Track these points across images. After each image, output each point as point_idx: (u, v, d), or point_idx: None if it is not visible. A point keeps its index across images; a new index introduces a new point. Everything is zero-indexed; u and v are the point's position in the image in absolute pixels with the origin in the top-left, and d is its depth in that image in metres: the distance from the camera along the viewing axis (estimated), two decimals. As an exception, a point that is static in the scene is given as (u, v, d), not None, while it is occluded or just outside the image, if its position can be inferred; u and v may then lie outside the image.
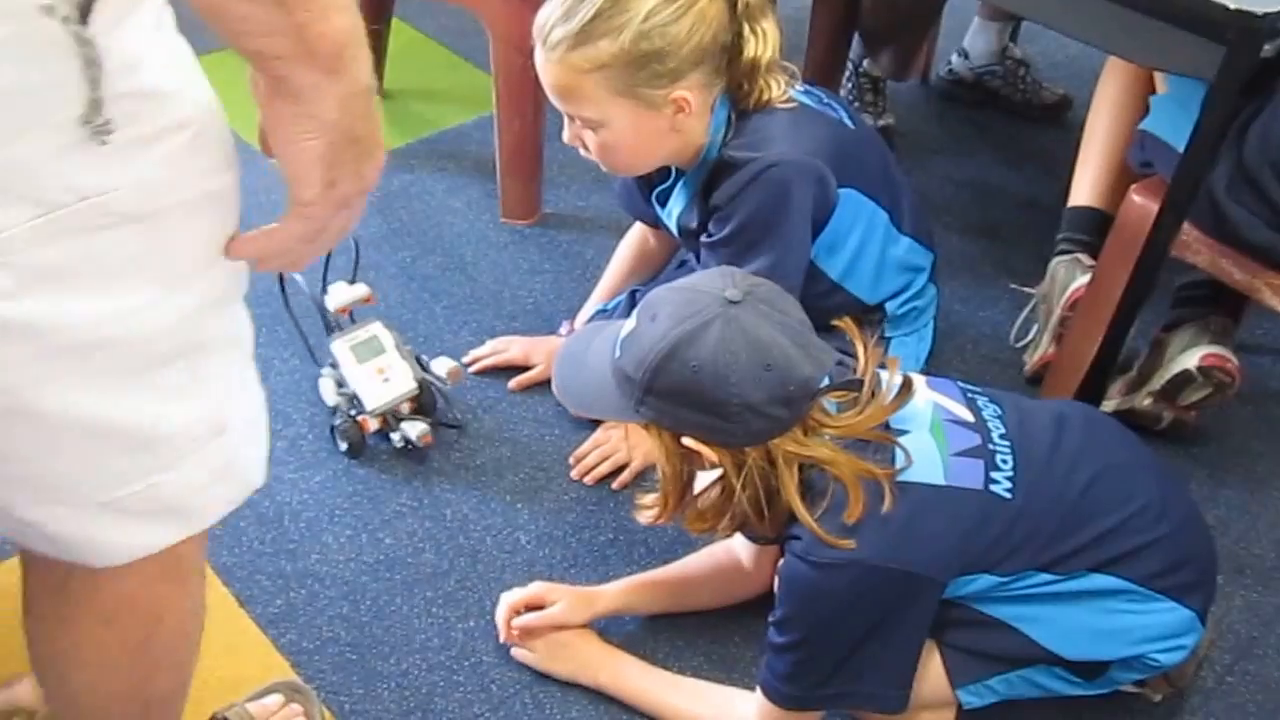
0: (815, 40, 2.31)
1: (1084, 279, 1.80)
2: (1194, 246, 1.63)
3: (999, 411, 1.32)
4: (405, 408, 1.71)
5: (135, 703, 1.08)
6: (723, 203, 1.48)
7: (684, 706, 1.40)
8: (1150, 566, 1.29)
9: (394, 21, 2.40)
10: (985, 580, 1.25)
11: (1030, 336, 1.94)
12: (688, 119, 1.43)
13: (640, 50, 1.37)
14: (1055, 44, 2.71)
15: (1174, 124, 1.59)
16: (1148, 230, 1.57)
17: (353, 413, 1.69)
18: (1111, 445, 1.38)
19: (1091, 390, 1.71)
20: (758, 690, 1.31)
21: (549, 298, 2.00)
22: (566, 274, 2.06)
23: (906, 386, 1.23)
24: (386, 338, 1.72)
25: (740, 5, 1.41)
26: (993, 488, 1.23)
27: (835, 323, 1.29)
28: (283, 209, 0.83)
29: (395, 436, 1.71)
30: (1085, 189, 1.88)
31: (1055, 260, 1.88)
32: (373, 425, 1.70)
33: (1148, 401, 1.75)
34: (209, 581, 1.51)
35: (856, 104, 2.40)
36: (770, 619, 1.27)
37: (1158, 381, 1.73)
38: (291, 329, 1.80)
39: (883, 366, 1.26)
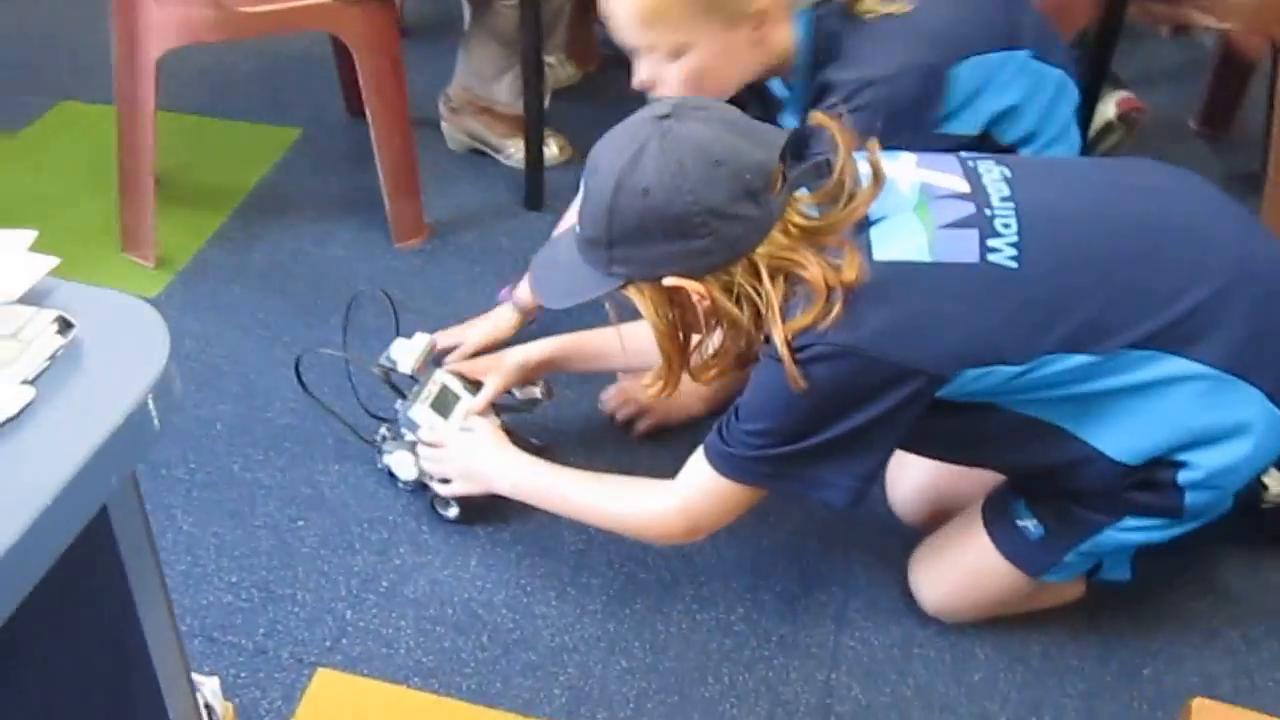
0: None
1: None
2: None
3: (1006, 174, 1.18)
4: None
5: None
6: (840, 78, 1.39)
7: (595, 498, 1.34)
8: (1220, 345, 1.12)
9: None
10: (1000, 373, 1.11)
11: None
12: (767, 29, 1.41)
13: None
14: None
15: None
16: None
17: None
18: (1174, 192, 1.24)
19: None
20: (698, 454, 1.24)
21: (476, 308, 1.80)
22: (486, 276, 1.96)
23: (877, 175, 1.11)
24: (454, 382, 1.53)
25: None
26: (991, 257, 1.11)
27: (810, 121, 1.18)
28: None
29: None
30: None
31: None
32: None
33: None
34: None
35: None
36: (737, 404, 1.19)
37: None
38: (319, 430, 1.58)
39: (862, 149, 1.14)
